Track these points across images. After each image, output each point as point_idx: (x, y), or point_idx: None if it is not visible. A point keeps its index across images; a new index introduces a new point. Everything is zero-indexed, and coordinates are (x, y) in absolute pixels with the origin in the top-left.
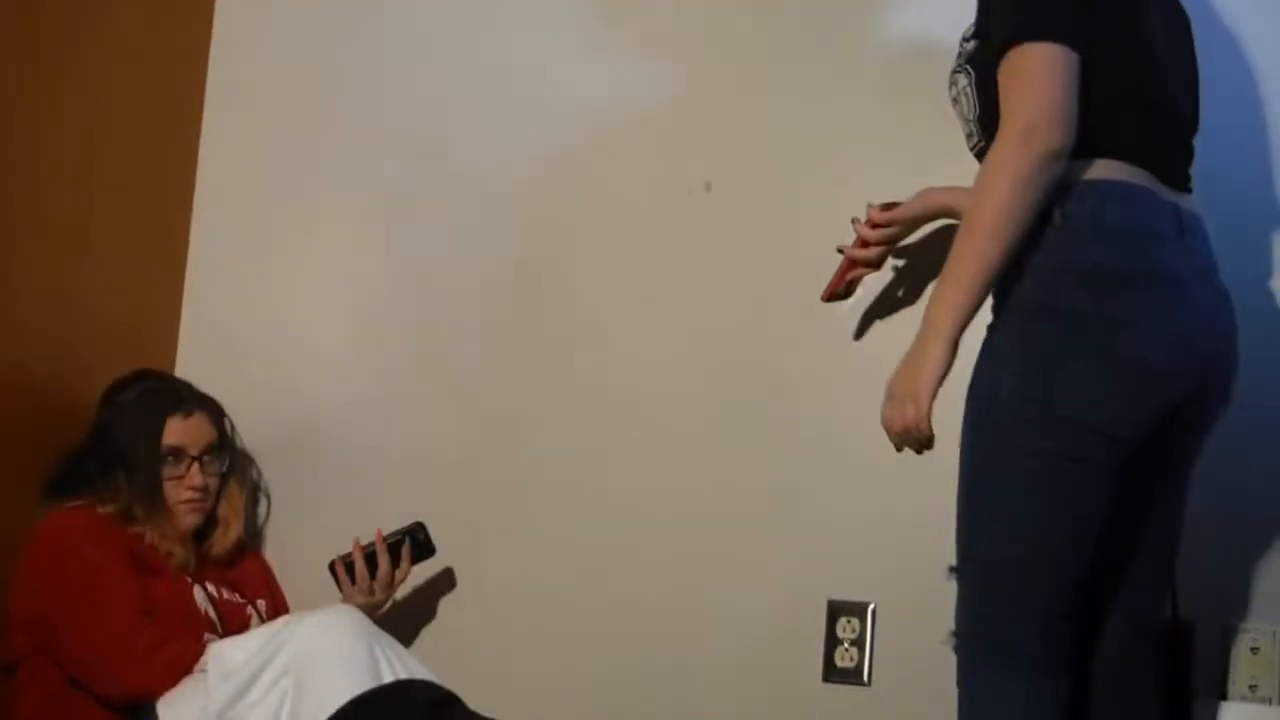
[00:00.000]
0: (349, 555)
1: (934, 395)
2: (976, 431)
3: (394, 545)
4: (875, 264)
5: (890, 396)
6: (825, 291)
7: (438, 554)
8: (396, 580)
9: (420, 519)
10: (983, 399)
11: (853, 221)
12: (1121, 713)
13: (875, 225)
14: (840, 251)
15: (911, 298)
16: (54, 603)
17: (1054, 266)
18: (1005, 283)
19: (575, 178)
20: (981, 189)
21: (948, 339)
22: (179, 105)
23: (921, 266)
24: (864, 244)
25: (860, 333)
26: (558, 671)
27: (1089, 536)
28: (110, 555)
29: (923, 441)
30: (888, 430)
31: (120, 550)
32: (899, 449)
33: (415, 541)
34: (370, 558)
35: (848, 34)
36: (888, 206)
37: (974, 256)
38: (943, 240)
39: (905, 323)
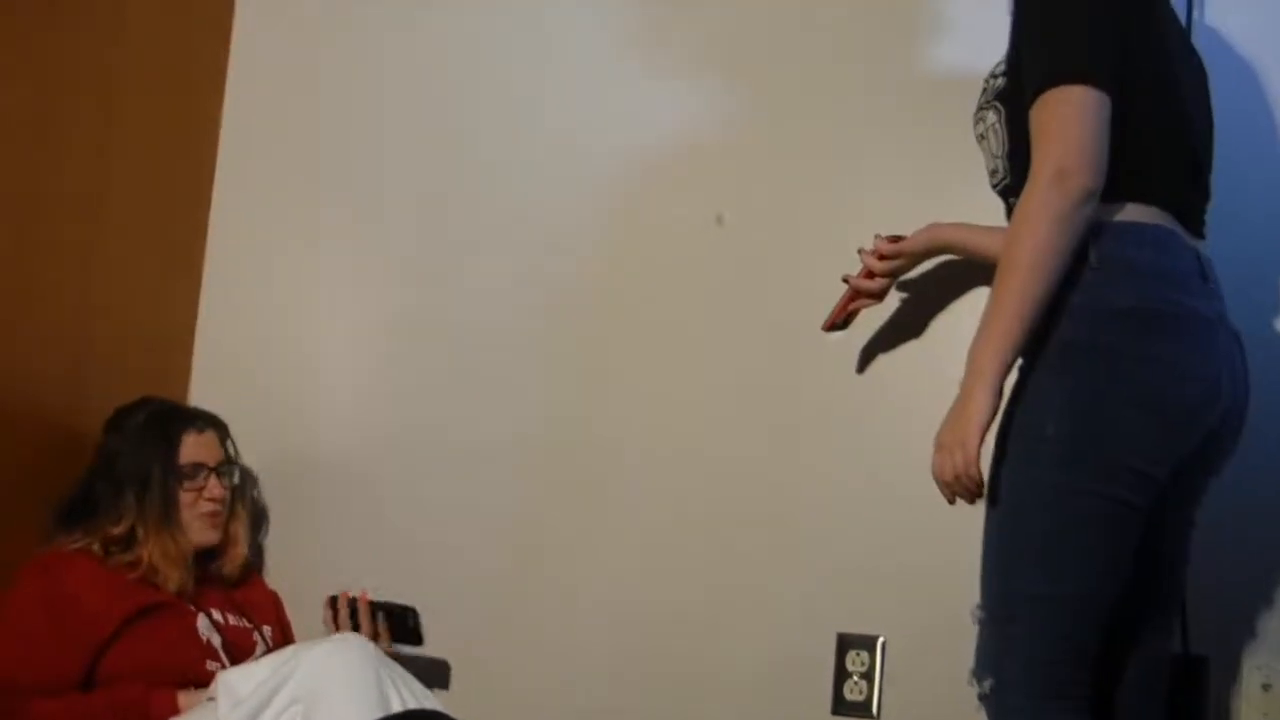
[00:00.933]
0: (343, 598)
1: (981, 441)
2: (1018, 470)
3: (379, 610)
4: (878, 296)
5: (939, 446)
6: (826, 321)
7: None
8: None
9: (415, 605)
10: (1025, 438)
11: (859, 252)
12: None
13: (882, 257)
14: (845, 281)
15: (918, 331)
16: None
17: (1091, 306)
18: (1040, 321)
19: (589, 209)
20: (1017, 233)
21: (991, 383)
22: (195, 123)
23: (927, 300)
24: (869, 275)
25: (867, 367)
26: (567, 699)
27: (1124, 574)
28: (75, 616)
29: (972, 489)
30: (939, 481)
31: (102, 607)
32: (951, 500)
33: (400, 622)
34: (355, 613)
35: (859, 69)
36: (895, 239)
37: (1012, 299)
38: (949, 274)
39: (916, 358)
